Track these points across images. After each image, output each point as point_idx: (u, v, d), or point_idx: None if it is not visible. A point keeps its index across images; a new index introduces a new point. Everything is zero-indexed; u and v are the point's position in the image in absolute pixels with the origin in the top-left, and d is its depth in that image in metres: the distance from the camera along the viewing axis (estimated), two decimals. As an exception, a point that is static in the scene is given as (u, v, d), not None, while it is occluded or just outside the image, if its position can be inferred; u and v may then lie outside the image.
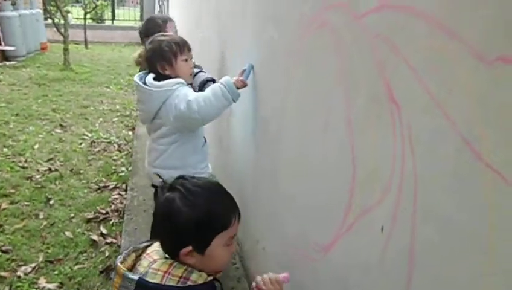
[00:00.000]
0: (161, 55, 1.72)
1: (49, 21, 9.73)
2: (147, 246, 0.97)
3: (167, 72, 1.75)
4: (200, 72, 2.03)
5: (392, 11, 0.79)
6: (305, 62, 1.26)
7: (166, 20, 2.60)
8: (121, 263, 0.89)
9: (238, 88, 1.69)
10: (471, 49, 0.55)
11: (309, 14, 1.20)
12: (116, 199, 3.21)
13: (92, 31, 12.51)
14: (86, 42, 11.41)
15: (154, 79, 1.74)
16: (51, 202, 3.03)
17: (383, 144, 0.82)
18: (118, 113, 5.41)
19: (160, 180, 1.88)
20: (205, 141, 1.96)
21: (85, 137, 4.42)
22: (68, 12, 8.69)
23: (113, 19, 15.21)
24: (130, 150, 4.18)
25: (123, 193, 3.33)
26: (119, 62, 9.30)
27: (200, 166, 1.92)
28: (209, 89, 1.68)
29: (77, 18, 13.22)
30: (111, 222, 2.88)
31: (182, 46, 1.75)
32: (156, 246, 0.95)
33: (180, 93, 1.67)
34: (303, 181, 1.29)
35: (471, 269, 0.59)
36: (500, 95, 0.53)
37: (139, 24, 14.79)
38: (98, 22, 14.83)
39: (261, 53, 1.74)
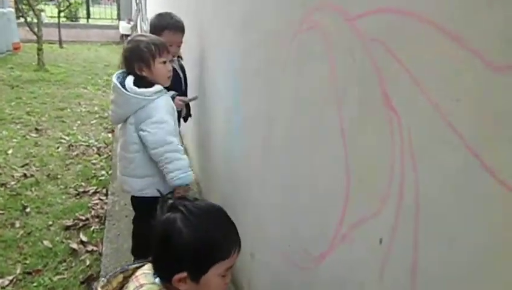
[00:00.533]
0: (139, 56, 1.68)
1: (22, 20, 9.41)
2: (137, 268, 0.91)
3: (144, 74, 1.71)
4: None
5: (391, 14, 0.76)
6: (293, 67, 1.22)
7: (183, 30, 2.35)
8: (103, 287, 0.83)
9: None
10: (480, 56, 0.52)
11: (297, 15, 1.15)
12: (97, 204, 3.11)
13: (66, 30, 12.18)
14: (60, 41, 11.10)
15: (135, 82, 1.69)
16: (27, 209, 2.91)
17: (379, 153, 0.79)
18: (97, 115, 5.26)
19: (129, 188, 1.85)
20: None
21: (62, 141, 4.28)
22: (41, 10, 8.42)
23: (88, 17, 14.86)
24: (109, 153, 4.07)
25: (104, 197, 3.23)
26: (96, 62, 9.08)
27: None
28: (175, 159, 1.70)
29: (51, 16, 12.85)
30: (91, 229, 2.78)
31: (161, 48, 1.71)
32: (147, 268, 0.89)
33: (160, 109, 1.66)
34: (293, 190, 1.25)
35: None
36: None
37: (115, 23, 14.54)
38: (72, 21, 14.45)
39: (243, 56, 1.69)
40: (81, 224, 2.81)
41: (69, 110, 5.38)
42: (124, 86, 1.66)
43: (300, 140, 1.18)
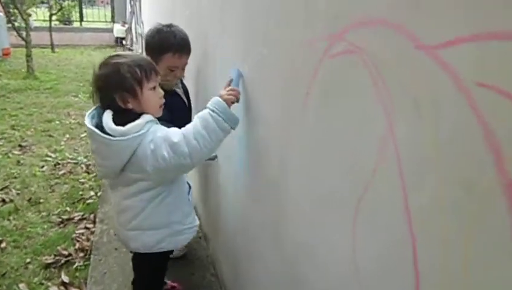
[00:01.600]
0: (120, 84, 1.27)
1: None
2: None
3: (130, 106, 1.31)
4: None
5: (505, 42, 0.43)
6: (316, 108, 0.89)
7: (189, 51, 1.85)
8: None
9: (231, 103, 1.32)
10: None
11: (324, 32, 0.82)
12: (82, 234, 2.77)
13: (59, 34, 11.86)
14: (52, 46, 10.76)
15: (115, 118, 1.29)
16: (3, 244, 2.57)
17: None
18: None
19: (139, 245, 1.49)
20: (189, 186, 1.57)
21: (48, 159, 3.93)
22: (29, 15, 8.05)
23: (81, 20, 14.49)
24: (99, 171, 3.73)
25: (90, 225, 2.89)
26: (89, 67, 8.69)
27: (188, 220, 1.52)
28: (198, 121, 1.29)
29: (43, 20, 12.48)
30: (75, 266, 2.44)
31: (149, 71, 1.32)
32: None
33: (154, 136, 1.26)
34: (321, 226, 0.92)
35: None
36: None
37: (110, 26, 14.18)
38: (65, 24, 14.10)
39: (251, 71, 1.36)
40: (63, 261, 2.47)
41: (57, 122, 5.03)
42: (103, 129, 1.26)
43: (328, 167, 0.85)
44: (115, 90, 1.28)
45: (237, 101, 1.35)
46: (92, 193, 3.34)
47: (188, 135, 1.26)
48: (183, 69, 1.86)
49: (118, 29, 13.12)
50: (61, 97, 6.22)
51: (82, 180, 3.59)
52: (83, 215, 3.01)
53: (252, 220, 1.45)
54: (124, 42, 12.07)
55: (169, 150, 1.24)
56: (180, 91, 2.03)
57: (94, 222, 2.91)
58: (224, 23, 1.64)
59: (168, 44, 1.73)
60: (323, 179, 0.89)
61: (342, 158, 0.81)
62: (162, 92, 1.39)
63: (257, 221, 1.38)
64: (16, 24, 8.00)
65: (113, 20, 14.41)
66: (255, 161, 1.38)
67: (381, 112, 0.65)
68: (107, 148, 1.26)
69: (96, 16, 15.04)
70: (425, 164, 0.57)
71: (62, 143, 4.37)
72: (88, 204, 3.17)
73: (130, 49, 11.30)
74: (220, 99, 1.31)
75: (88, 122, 1.29)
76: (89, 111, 1.34)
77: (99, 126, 1.28)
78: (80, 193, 3.35)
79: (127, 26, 12.63)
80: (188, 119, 2.10)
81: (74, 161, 3.93)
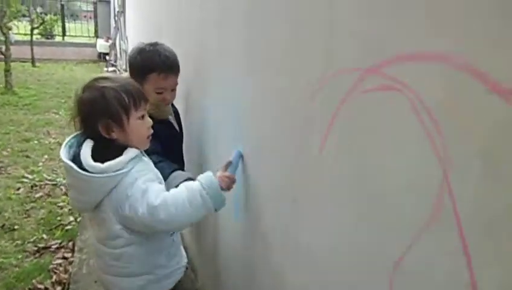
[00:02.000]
0: (105, 110, 1.14)
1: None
2: None
3: (114, 136, 1.17)
4: (174, 171, 1.45)
5: None
6: (338, 149, 0.77)
7: (177, 70, 1.71)
8: None
9: (222, 189, 1.20)
10: None
11: (355, 62, 0.72)
12: (60, 265, 2.57)
13: (40, 48, 11.59)
14: (33, 60, 10.49)
15: (95, 148, 1.15)
16: (-29, 278, 2.35)
17: None
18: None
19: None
20: None
21: (24, 180, 3.70)
22: (9, 28, 7.83)
23: (63, 34, 14.26)
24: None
25: (69, 254, 2.69)
26: (71, 83, 8.49)
27: (174, 261, 1.36)
28: (185, 192, 1.16)
29: (24, 34, 12.20)
30: (51, 302, 2.24)
31: (137, 98, 1.18)
32: None
33: (135, 182, 1.13)
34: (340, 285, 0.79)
35: None
36: None
37: (93, 41, 13.99)
38: (47, 38, 13.83)
39: (251, 110, 1.24)
40: (38, 296, 2.26)
41: (35, 141, 4.79)
42: (79, 163, 1.11)
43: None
44: (99, 117, 1.14)
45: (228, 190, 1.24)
46: (72, 218, 3.14)
47: (169, 202, 1.13)
48: (173, 90, 1.71)
49: (101, 45, 12.93)
50: (40, 114, 5.99)
51: (61, 203, 3.38)
52: (60, 243, 2.81)
53: (255, 264, 1.31)
54: (107, 58, 11.87)
55: (145, 209, 1.11)
56: (172, 118, 1.88)
57: (73, 251, 2.71)
58: (223, 42, 1.53)
59: (152, 64, 1.59)
60: (348, 234, 0.77)
61: (369, 211, 0.69)
62: (150, 122, 1.25)
63: (261, 266, 1.24)
64: (-5, 38, 7.74)
65: (96, 35, 14.23)
66: (257, 201, 1.25)
67: (434, 165, 0.54)
68: (83, 184, 1.13)
69: (79, 30, 14.83)
70: (495, 230, 0.46)
71: (40, 164, 4.14)
72: (67, 230, 2.96)
73: (113, 65, 11.11)
74: (216, 181, 1.19)
75: (64, 155, 1.14)
76: (67, 140, 1.19)
77: (77, 157, 1.13)
78: (58, 218, 3.14)
79: (110, 41, 12.46)
80: (179, 148, 1.96)
81: (53, 182, 3.72)
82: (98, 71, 10.87)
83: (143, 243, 1.23)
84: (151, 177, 1.20)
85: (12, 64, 7.30)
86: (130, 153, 1.16)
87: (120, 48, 11.30)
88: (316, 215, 0.89)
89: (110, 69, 10.98)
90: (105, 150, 1.15)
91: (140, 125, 1.20)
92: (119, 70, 10.34)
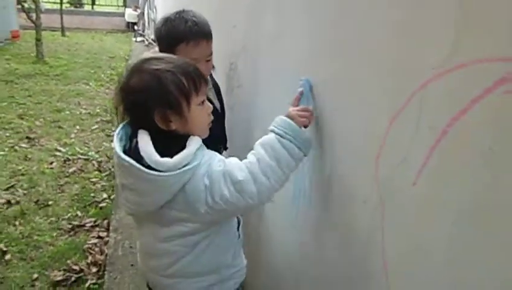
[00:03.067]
0: (163, 98, 0.95)
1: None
2: None
3: (173, 127, 0.99)
4: None
5: None
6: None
7: (209, 36, 1.49)
8: None
9: (304, 127, 1.02)
10: None
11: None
12: (95, 245, 2.50)
13: (70, 17, 11.56)
14: (62, 29, 10.45)
15: (164, 138, 0.98)
16: (7, 256, 2.30)
17: None
18: (98, 119, 4.63)
19: None
20: (238, 221, 1.25)
21: (57, 153, 3.65)
22: (40, -3, 7.75)
23: (93, 3, 14.16)
24: (112, 169, 3.44)
25: (104, 234, 2.62)
26: (100, 53, 8.43)
27: (237, 261, 1.21)
28: (263, 150, 0.98)
29: (53, 2, 12.16)
30: (87, 285, 2.17)
31: (198, 80, 0.99)
32: None
33: (209, 169, 0.96)
34: None
35: None
36: None
37: (121, 10, 13.82)
38: (76, 7, 13.78)
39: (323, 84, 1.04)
40: (73, 278, 2.19)
41: (67, 112, 4.74)
42: (140, 159, 0.93)
43: None
44: (154, 106, 0.96)
45: (308, 124, 1.03)
46: (105, 195, 3.07)
47: (254, 170, 0.94)
48: (207, 61, 1.50)
49: (130, 14, 12.78)
50: (71, 84, 5.93)
51: (93, 179, 3.31)
52: (95, 221, 2.74)
53: (318, 269, 1.14)
54: (135, 27, 11.73)
55: (232, 188, 0.93)
56: (211, 94, 1.68)
57: (107, 230, 2.64)
58: (282, 20, 1.32)
59: (178, 33, 1.41)
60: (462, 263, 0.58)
61: None
62: (210, 107, 1.06)
63: (325, 273, 1.07)
64: (26, 5, 7.67)
65: (125, 5, 14.06)
66: (326, 195, 1.07)
67: None
68: (148, 184, 0.95)
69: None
70: None
71: (72, 135, 4.09)
72: (101, 208, 2.89)
73: (141, 35, 10.96)
74: (291, 121, 0.98)
75: (119, 149, 0.96)
76: (117, 130, 1.02)
77: (127, 151, 0.96)
78: (92, 194, 3.07)
79: (139, 11, 12.29)
80: (221, 127, 1.78)
81: (85, 157, 3.65)
82: (128, 41, 10.78)
83: (210, 243, 1.08)
84: (220, 157, 1.02)
85: (42, 33, 7.24)
86: (194, 142, 0.98)
87: (148, 18, 11.12)
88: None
89: (139, 39, 10.85)
90: (165, 143, 0.96)
91: (201, 112, 1.02)
92: (147, 40, 10.19)
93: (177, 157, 0.92)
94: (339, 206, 1.00)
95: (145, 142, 0.95)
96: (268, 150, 0.96)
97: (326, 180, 1.04)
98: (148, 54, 1.06)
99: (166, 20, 1.46)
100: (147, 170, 0.91)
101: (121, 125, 1.03)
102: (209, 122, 1.06)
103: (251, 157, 0.98)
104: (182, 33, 1.41)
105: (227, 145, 1.84)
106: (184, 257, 1.08)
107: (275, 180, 0.95)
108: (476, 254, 0.59)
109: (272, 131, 1.00)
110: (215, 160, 0.98)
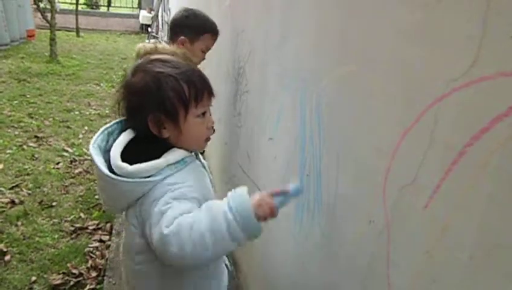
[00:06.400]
0: (160, 102, 0.90)
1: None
2: None
3: (166, 134, 0.94)
4: None
5: None
6: None
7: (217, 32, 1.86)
8: None
9: (259, 218, 0.83)
10: None
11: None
12: (96, 248, 2.46)
13: (85, 18, 11.69)
14: (77, 30, 10.55)
15: (144, 142, 0.94)
16: (7, 257, 2.27)
17: None
18: (107, 120, 4.60)
19: None
20: (228, 268, 1.17)
21: (64, 153, 3.64)
22: (56, -3, 7.82)
23: (108, 5, 14.30)
24: (118, 172, 3.41)
25: (106, 237, 2.58)
26: (113, 54, 8.48)
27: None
28: (207, 216, 0.83)
29: (70, 3, 12.29)
30: (85, 289, 2.13)
31: (201, 90, 0.93)
32: None
33: (162, 197, 0.87)
34: None
35: None
36: None
37: (136, 12, 13.92)
38: (92, 8, 13.92)
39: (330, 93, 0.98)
40: (72, 282, 2.15)
41: (76, 112, 4.74)
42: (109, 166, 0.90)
43: None
44: (150, 109, 0.91)
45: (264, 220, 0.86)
46: (109, 197, 3.03)
47: (184, 230, 0.82)
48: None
49: (144, 16, 12.87)
50: (82, 85, 5.95)
51: (99, 180, 3.28)
52: (97, 224, 2.70)
53: (318, 284, 1.07)
54: (149, 29, 11.79)
55: (158, 236, 0.84)
56: None
57: (110, 234, 2.60)
58: (288, 25, 1.26)
59: (207, 25, 1.79)
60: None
61: None
62: (212, 121, 1.00)
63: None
64: (41, 5, 7.76)
65: (139, 6, 14.17)
66: (329, 212, 1.00)
67: None
68: (108, 186, 0.90)
69: (123, 1, 14.81)
70: None
71: (80, 136, 4.08)
72: (104, 211, 2.85)
73: (155, 37, 11.00)
74: (248, 202, 0.83)
75: (92, 144, 0.92)
76: (105, 126, 0.98)
77: (107, 158, 0.93)
78: (96, 196, 3.03)
79: (153, 13, 12.35)
80: None
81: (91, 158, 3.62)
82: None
83: (165, 266, 0.95)
84: (184, 194, 0.90)
85: (57, 33, 7.30)
86: (171, 156, 0.92)
87: (162, 20, 11.17)
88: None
89: (152, 41, 10.90)
90: (149, 148, 0.92)
91: (199, 125, 0.95)
92: (160, 42, 10.22)
93: (137, 166, 0.88)
94: (343, 225, 0.93)
95: (118, 144, 0.92)
96: (211, 220, 0.83)
97: (331, 196, 0.98)
98: (155, 55, 1.01)
99: (191, 12, 1.81)
100: (104, 171, 0.88)
101: (117, 120, 1.00)
102: (207, 137, 1.00)
103: (193, 214, 0.86)
104: (210, 26, 1.81)
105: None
106: (141, 276, 1.00)
107: (200, 251, 0.82)
108: (495, 292, 0.52)
109: (228, 203, 0.84)
110: (172, 193, 0.88)
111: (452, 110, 0.58)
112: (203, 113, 0.96)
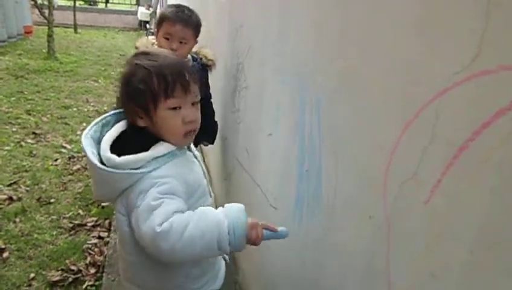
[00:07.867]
0: (132, 93, 0.95)
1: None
2: None
3: (142, 124, 0.98)
4: None
5: None
6: None
7: (188, 24, 1.87)
8: None
9: (248, 241, 0.92)
10: None
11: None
12: (95, 245, 2.45)
13: (83, 14, 11.64)
14: (75, 26, 10.51)
15: (132, 134, 0.99)
16: (5, 254, 2.26)
17: None
18: (105, 116, 4.61)
19: None
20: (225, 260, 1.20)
21: (62, 150, 3.62)
22: (53, -7, 7.78)
23: (106, 1, 14.23)
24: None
25: (105, 234, 2.57)
26: (111, 51, 8.44)
27: (198, 284, 1.09)
28: (201, 223, 0.88)
29: (67, -1, 12.25)
30: (84, 286, 2.12)
31: (172, 84, 0.93)
32: None
33: (149, 190, 0.90)
34: None
35: None
36: None
37: (134, 8, 13.85)
38: (90, 4, 13.86)
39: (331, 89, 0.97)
40: (71, 278, 2.15)
41: (74, 108, 4.72)
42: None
43: None
44: (127, 100, 0.98)
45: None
46: (108, 194, 3.02)
47: (175, 231, 0.86)
48: (181, 43, 1.85)
49: (142, 13, 12.82)
50: (80, 81, 5.92)
51: (98, 177, 3.27)
52: (96, 221, 2.69)
53: (316, 277, 1.07)
54: (147, 26, 11.76)
55: (148, 230, 0.87)
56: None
57: (109, 230, 2.59)
58: (287, 20, 1.25)
59: (166, 14, 1.87)
60: None
61: None
62: (188, 116, 0.97)
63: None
64: (39, 2, 7.72)
65: (137, 3, 14.11)
66: (329, 208, 1.00)
67: None
68: (98, 176, 0.94)
69: (121, -3, 14.77)
70: None
71: (78, 132, 4.06)
72: (103, 207, 2.84)
73: (153, 33, 10.97)
74: (244, 220, 0.91)
75: (85, 134, 0.95)
76: (101, 117, 1.01)
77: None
78: (95, 193, 3.02)
79: (151, 9, 12.31)
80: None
81: (90, 155, 3.62)
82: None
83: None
84: (173, 189, 0.92)
85: (54, 29, 7.27)
86: (159, 148, 0.95)
87: (161, 17, 11.12)
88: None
89: (150, 37, 10.86)
90: (138, 140, 0.96)
91: (170, 118, 0.95)
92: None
93: (125, 158, 0.91)
94: (343, 221, 0.93)
95: (108, 135, 0.96)
96: (205, 227, 0.88)
97: (331, 191, 0.97)
98: (145, 48, 1.04)
99: (166, 7, 1.98)
100: (94, 162, 0.91)
101: (112, 112, 1.03)
102: (185, 132, 0.99)
103: (187, 215, 0.90)
104: (168, 14, 1.85)
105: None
106: (133, 265, 1.04)
107: (189, 253, 0.88)
108: (496, 287, 0.51)
109: (226, 215, 0.91)
110: (162, 187, 0.91)
111: (454, 105, 0.57)
112: (179, 107, 0.96)
